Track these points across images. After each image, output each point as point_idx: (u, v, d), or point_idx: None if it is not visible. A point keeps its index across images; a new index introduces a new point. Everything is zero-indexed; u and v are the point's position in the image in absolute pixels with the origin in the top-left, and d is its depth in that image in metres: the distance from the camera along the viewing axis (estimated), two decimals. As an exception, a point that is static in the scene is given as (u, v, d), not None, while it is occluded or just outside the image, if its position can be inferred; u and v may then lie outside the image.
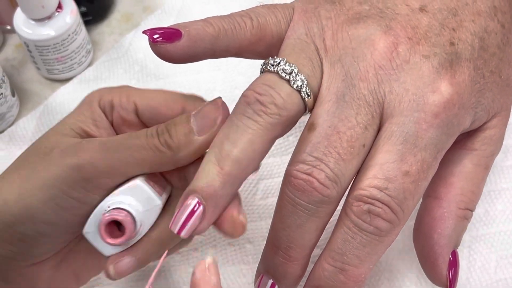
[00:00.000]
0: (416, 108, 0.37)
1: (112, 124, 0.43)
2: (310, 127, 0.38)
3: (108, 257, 0.40)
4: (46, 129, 0.58)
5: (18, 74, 0.63)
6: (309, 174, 0.37)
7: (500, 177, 0.53)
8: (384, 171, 0.37)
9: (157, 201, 0.40)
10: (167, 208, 0.42)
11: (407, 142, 0.37)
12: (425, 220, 0.43)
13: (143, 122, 0.43)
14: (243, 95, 0.39)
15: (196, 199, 0.37)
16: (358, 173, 0.38)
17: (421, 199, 0.44)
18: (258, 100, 0.38)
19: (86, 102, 0.43)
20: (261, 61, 0.41)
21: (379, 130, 0.38)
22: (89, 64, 0.62)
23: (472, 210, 0.44)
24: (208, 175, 0.37)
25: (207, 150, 0.39)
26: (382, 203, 0.36)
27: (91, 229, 0.39)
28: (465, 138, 0.43)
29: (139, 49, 0.62)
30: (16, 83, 0.62)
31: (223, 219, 0.38)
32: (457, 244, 0.43)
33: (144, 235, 0.40)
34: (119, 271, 0.40)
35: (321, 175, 0.37)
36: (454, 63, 0.39)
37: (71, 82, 0.61)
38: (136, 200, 0.39)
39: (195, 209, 0.37)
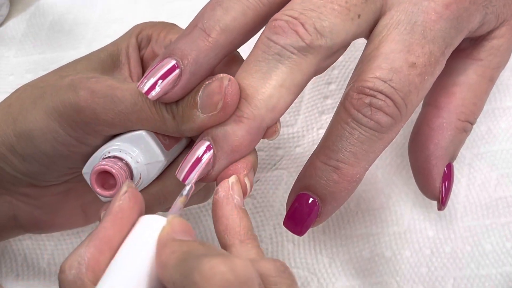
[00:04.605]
0: None
1: (142, 58, 0.41)
2: None
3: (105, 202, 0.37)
4: (37, 31, 0.56)
5: (10, -25, 0.60)
6: (294, 18, 0.34)
7: (506, 95, 0.51)
8: (389, 61, 0.34)
9: (160, 157, 0.37)
10: (178, 161, 0.39)
11: (414, 32, 0.35)
12: (423, 130, 0.41)
13: None
14: None
15: (174, 61, 0.34)
16: (360, 63, 0.36)
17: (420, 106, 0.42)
18: None
19: (127, 33, 0.41)
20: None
21: (381, 16, 0.36)
22: (84, -33, 0.60)
23: (472, 123, 0.42)
24: (192, 38, 0.34)
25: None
26: (385, 95, 0.34)
27: (90, 170, 0.37)
28: (471, 47, 0.41)
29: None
30: (7, -17, 0.60)
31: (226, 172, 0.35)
32: (453, 157, 0.42)
33: (145, 188, 0.38)
34: None
35: (308, 21, 0.34)
36: None
37: (64, -16, 0.59)
38: (139, 150, 0.36)
39: (170, 71, 0.34)
